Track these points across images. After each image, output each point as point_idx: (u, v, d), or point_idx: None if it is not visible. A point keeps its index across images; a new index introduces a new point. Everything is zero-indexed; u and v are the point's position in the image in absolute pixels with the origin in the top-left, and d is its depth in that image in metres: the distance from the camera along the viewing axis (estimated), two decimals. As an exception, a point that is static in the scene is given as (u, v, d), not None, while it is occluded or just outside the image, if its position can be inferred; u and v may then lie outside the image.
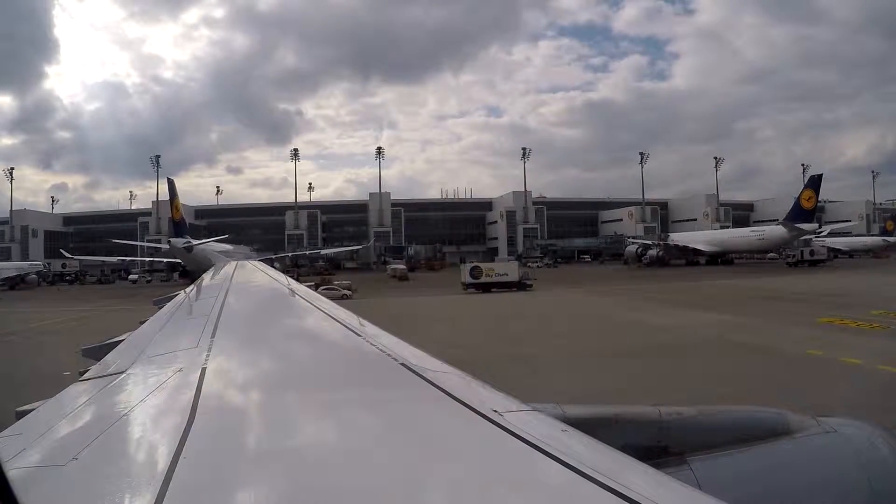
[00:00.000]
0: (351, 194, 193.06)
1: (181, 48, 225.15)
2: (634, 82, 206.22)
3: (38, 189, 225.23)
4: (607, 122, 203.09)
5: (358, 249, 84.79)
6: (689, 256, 75.59)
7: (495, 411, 1.67)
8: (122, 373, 2.61)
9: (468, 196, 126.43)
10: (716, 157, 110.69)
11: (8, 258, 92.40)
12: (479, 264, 46.92)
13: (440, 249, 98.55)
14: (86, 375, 2.80)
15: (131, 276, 76.84)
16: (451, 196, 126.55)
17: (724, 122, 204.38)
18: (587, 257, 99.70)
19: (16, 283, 71.33)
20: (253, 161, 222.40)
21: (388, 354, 2.49)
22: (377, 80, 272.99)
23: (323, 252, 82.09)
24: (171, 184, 62.75)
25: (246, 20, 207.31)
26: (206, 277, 9.02)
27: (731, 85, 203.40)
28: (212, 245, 60.33)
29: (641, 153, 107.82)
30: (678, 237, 79.83)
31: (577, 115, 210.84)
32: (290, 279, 7.53)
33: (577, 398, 3.31)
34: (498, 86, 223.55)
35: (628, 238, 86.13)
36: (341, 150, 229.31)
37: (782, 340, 18.61)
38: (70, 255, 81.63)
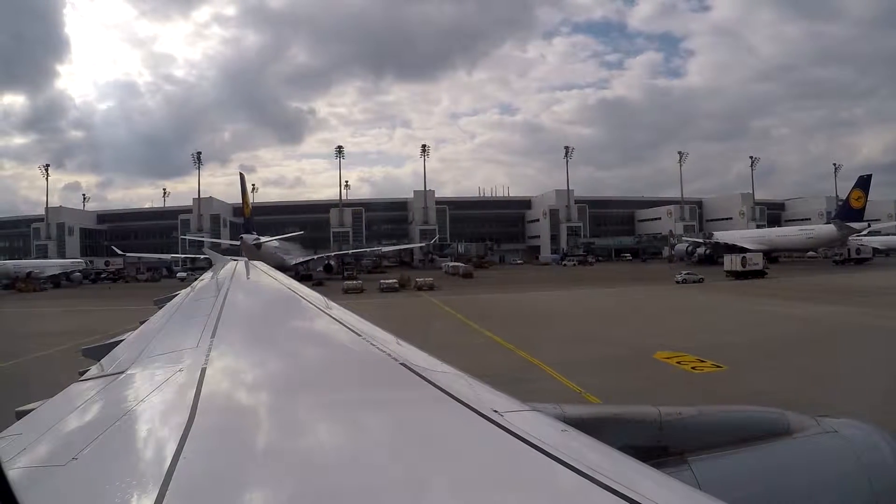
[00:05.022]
0: (364, 193, 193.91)
1: (193, 46, 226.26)
2: (649, 80, 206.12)
3: (52, 188, 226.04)
4: (621, 121, 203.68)
5: (420, 247, 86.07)
6: (736, 254, 76.94)
7: (495, 411, 1.69)
8: (122, 373, 2.62)
9: (505, 195, 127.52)
10: (751, 157, 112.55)
11: (45, 256, 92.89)
12: (744, 255, 51.54)
13: (490, 247, 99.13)
14: (86, 375, 2.83)
15: (179, 274, 74.54)
16: (489, 195, 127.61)
17: (739, 121, 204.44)
18: (628, 255, 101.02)
19: (59, 280, 71.67)
20: (265, 160, 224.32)
21: (389, 354, 2.49)
22: (390, 78, 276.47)
23: (384, 250, 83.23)
24: (242, 179, 63.50)
25: (257, 18, 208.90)
26: (207, 277, 9.18)
27: (746, 82, 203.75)
28: (272, 242, 61.90)
29: (680, 152, 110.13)
30: (723, 235, 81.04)
31: (591, 113, 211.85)
32: (291, 279, 7.36)
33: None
34: (512, 84, 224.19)
35: (682, 237, 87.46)
36: (354, 148, 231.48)
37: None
38: (121, 253, 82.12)
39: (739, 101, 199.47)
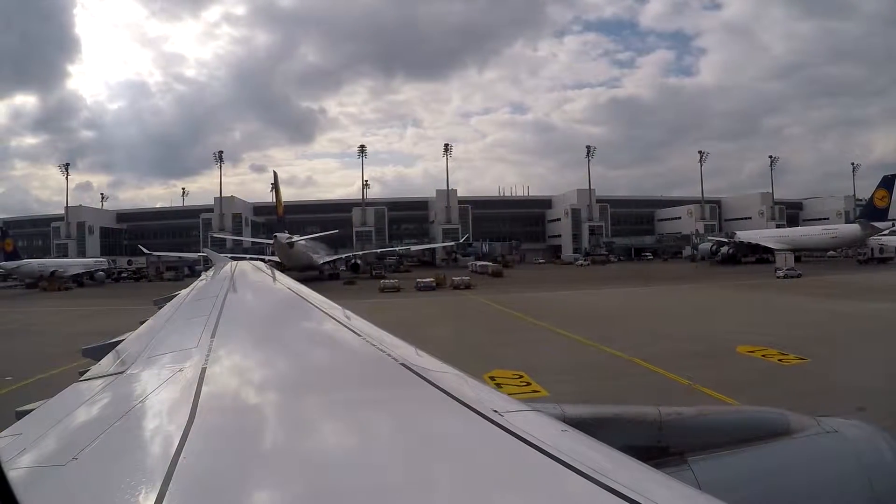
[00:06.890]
0: (376, 192, 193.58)
1: (203, 46, 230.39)
2: (660, 78, 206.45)
3: (63, 188, 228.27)
4: (632, 119, 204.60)
5: (448, 246, 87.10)
6: (759, 254, 77.58)
7: (495, 411, 1.70)
8: (122, 373, 2.64)
9: (525, 194, 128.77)
10: (771, 156, 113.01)
11: (65, 255, 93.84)
12: (794, 254, 57.73)
13: (517, 246, 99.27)
14: (86, 375, 2.84)
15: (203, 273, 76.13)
16: (504, 194, 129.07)
17: (750, 119, 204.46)
18: (649, 255, 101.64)
19: (82, 280, 71.66)
20: (276, 160, 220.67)
21: (388, 354, 2.50)
22: (401, 77, 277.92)
23: (414, 249, 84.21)
24: (275, 178, 64.19)
25: (267, 17, 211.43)
26: (207, 277, 9.12)
27: (758, 81, 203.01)
28: (302, 241, 62.92)
29: (700, 152, 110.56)
30: (747, 235, 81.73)
31: (601, 112, 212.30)
32: (291, 279, 7.17)
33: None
34: (523, 82, 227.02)
35: (706, 236, 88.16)
36: (366, 147, 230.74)
37: None
38: (148, 252, 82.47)
39: (751, 99, 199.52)
